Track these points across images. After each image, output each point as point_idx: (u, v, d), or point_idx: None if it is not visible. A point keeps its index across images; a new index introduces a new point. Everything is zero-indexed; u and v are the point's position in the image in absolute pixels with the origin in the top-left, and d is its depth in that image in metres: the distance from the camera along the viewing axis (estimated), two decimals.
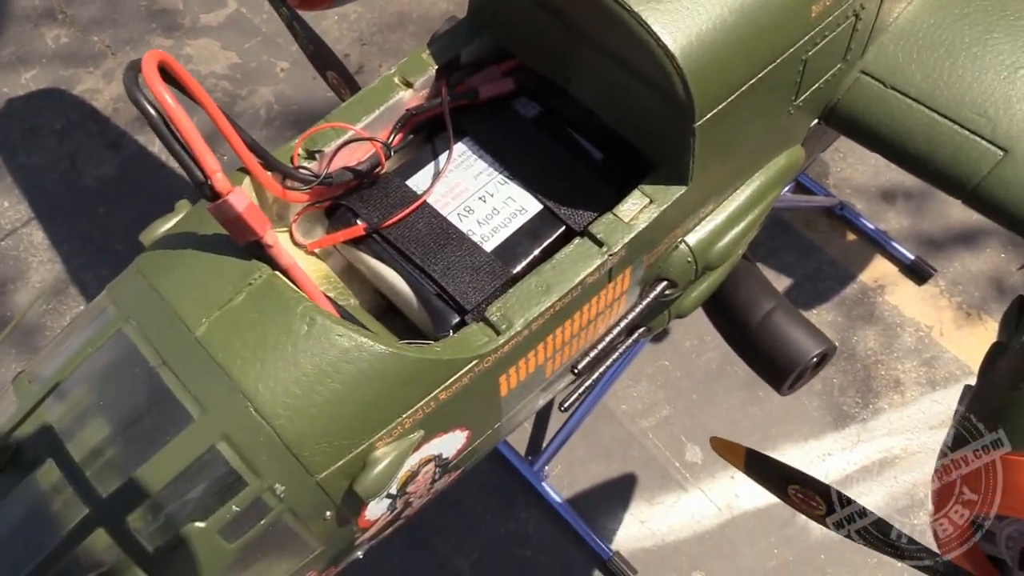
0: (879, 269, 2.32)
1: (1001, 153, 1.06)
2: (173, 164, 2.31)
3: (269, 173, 0.93)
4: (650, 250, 1.04)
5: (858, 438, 2.11)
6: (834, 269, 2.32)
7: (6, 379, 1.57)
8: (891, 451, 2.09)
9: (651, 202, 0.98)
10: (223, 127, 0.85)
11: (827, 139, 1.37)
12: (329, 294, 0.98)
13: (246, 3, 2.84)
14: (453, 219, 1.01)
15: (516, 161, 1.05)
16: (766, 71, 0.98)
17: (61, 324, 2.29)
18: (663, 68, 0.90)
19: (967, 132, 1.08)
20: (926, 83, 1.11)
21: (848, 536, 1.13)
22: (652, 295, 1.09)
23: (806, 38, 1.01)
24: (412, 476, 0.94)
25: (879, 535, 1.09)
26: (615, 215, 0.98)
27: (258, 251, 0.86)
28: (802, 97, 1.09)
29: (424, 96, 1.08)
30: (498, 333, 0.91)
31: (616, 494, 2.06)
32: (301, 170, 0.98)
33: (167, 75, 0.78)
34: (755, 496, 1.98)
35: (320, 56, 1.52)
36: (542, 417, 2.10)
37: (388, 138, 1.05)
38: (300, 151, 1.01)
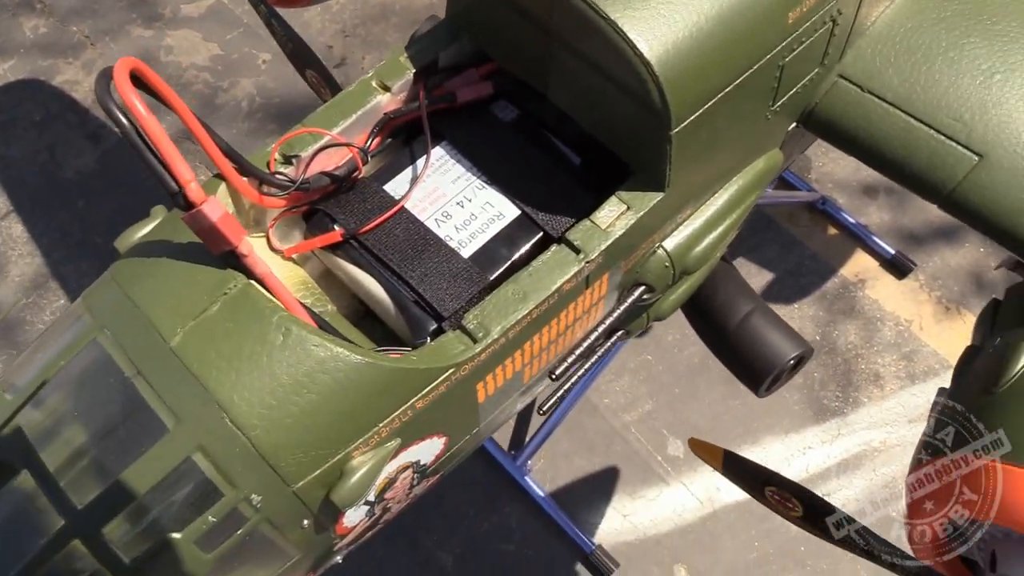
0: (860, 263, 2.34)
1: (976, 158, 1.07)
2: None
3: (245, 179, 0.93)
4: (627, 256, 1.04)
5: (838, 431, 2.13)
6: (816, 264, 2.33)
7: None
8: (871, 444, 2.11)
9: (628, 208, 0.98)
10: (198, 133, 0.85)
11: (805, 142, 1.37)
12: (306, 300, 0.97)
13: None
14: (431, 225, 1.01)
15: (494, 165, 1.05)
16: (743, 78, 0.98)
17: (41, 318, 2.28)
18: (639, 75, 0.90)
19: (943, 137, 1.08)
20: (903, 87, 1.11)
21: (823, 538, 1.15)
22: (630, 300, 1.09)
23: (783, 44, 1.00)
24: (390, 483, 0.94)
25: (855, 538, 1.10)
26: (592, 222, 0.97)
27: (233, 260, 0.85)
28: (779, 102, 1.09)
29: (402, 100, 1.07)
30: (475, 341, 0.91)
31: (599, 488, 2.07)
32: (278, 175, 0.97)
33: (139, 82, 0.78)
34: (736, 490, 1.99)
35: (299, 55, 1.50)
36: (524, 413, 2.11)
37: (366, 143, 1.04)
38: (277, 156, 1.00)
